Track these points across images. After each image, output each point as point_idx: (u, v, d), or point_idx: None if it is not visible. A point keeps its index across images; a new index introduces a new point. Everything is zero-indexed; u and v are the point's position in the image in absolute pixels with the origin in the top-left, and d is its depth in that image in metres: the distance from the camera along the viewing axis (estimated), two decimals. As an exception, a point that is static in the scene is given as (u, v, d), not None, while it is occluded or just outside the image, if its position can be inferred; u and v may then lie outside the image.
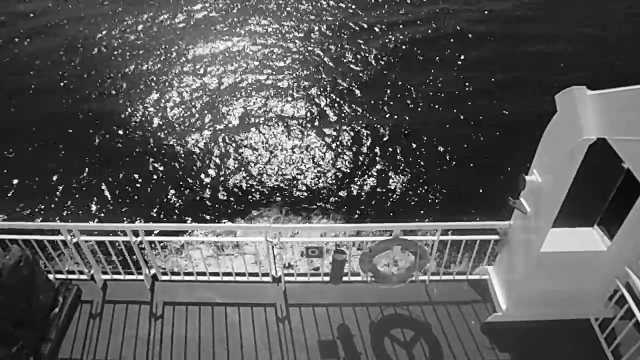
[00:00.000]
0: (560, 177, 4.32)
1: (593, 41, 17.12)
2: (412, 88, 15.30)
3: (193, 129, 14.08)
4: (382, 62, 16.61)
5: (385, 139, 13.48)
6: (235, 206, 11.82)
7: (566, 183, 4.34)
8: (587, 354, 5.28)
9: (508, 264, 5.56)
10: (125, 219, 11.51)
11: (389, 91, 15.27)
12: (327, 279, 5.84)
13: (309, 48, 17.52)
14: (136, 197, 12.13)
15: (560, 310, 5.46)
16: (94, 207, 11.89)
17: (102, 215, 11.67)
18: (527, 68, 15.96)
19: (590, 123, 3.81)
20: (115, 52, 17.63)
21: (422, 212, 11.47)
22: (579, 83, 3.86)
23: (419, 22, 18.70)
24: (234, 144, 13.53)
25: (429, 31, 18.17)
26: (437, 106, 14.55)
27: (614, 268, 4.91)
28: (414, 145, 13.20)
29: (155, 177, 12.64)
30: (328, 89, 15.50)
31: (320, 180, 12.37)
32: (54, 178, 12.67)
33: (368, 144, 13.34)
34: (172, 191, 12.24)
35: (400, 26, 18.49)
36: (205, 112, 14.69)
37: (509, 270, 5.55)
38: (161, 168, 12.90)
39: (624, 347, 5.00)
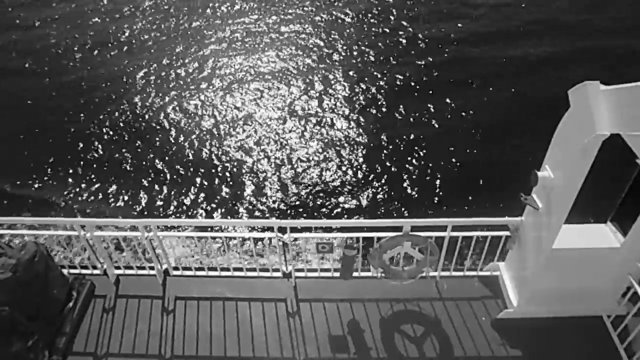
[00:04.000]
0: (572, 173, 4.28)
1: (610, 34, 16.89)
2: (423, 85, 15.22)
3: (208, 128, 14.14)
4: (392, 58, 16.54)
5: (396, 134, 13.43)
6: (247, 202, 11.88)
7: (579, 179, 4.29)
8: (599, 351, 5.24)
9: (519, 261, 5.53)
10: (137, 214, 11.63)
11: (399, 88, 15.20)
12: (337, 274, 5.87)
13: (327, 50, 17.51)
14: (149, 193, 12.23)
15: (572, 307, 5.42)
16: (107, 203, 12.01)
17: (115, 211, 11.79)
18: (541, 62, 15.77)
19: (603, 118, 3.76)
20: (134, 47, 17.78)
21: (432, 208, 11.42)
22: (593, 78, 3.81)
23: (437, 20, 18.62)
24: (247, 142, 13.54)
25: (446, 26, 18.09)
26: (448, 101, 14.45)
27: (627, 265, 4.86)
28: (425, 141, 13.13)
29: (168, 173, 12.73)
30: (339, 86, 15.47)
31: (331, 177, 12.37)
32: (68, 173, 12.82)
33: (379, 140, 13.29)
34: (184, 188, 12.32)
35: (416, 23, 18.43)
36: (220, 111, 14.73)
37: (520, 266, 5.52)
38: (174, 165, 12.97)
39: (636, 344, 4.96)
